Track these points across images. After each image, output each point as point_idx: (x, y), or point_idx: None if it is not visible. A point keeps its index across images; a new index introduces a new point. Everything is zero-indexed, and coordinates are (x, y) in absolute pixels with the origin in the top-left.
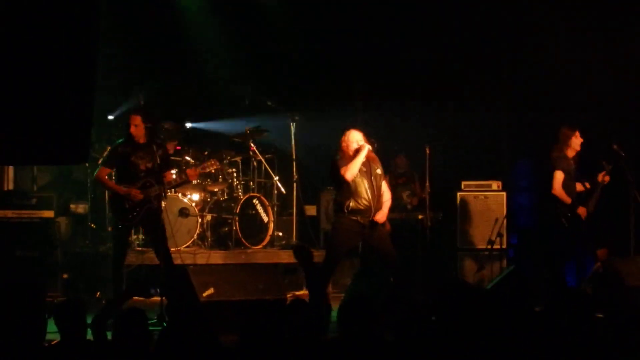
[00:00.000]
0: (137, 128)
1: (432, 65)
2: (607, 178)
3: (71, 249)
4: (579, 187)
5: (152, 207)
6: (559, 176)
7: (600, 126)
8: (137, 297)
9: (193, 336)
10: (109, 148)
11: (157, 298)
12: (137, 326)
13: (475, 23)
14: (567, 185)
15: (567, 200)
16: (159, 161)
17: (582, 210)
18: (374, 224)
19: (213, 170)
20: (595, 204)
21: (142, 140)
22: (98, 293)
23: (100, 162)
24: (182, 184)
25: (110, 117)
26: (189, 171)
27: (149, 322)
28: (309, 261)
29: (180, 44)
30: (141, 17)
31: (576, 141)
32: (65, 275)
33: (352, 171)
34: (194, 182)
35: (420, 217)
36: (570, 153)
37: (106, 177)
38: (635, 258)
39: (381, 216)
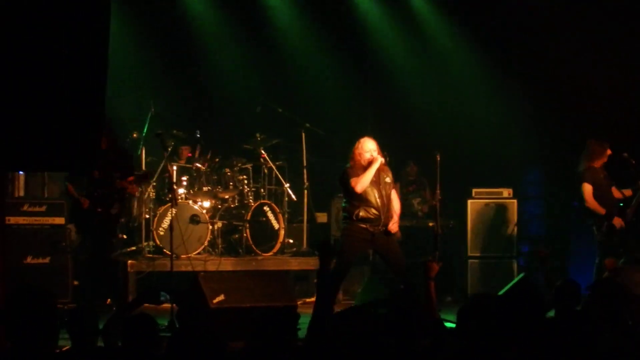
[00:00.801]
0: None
1: (443, 72)
2: None
3: (82, 256)
4: (617, 194)
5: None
6: (587, 188)
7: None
8: (147, 305)
9: (203, 342)
10: None
11: (168, 305)
12: (147, 332)
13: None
14: (599, 196)
15: (601, 211)
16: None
17: (617, 221)
18: (387, 233)
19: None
20: (634, 211)
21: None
22: (109, 300)
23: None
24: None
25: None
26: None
27: (159, 328)
28: (328, 259)
29: (192, 51)
30: (153, 26)
31: (605, 153)
32: (75, 282)
33: (362, 184)
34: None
35: (430, 224)
36: (598, 163)
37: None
38: None
39: (394, 226)
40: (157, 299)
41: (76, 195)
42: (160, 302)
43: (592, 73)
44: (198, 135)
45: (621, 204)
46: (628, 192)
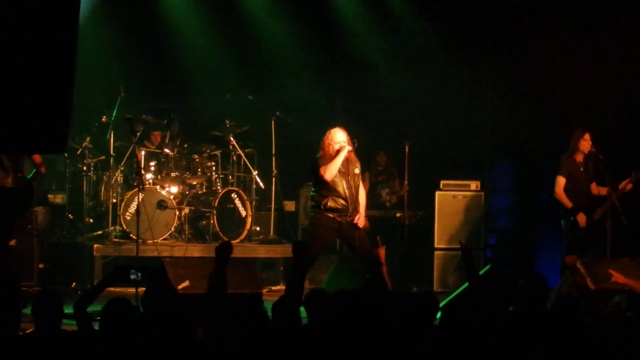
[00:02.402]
0: None
1: (413, 65)
2: (629, 186)
3: (48, 239)
4: (595, 190)
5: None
6: (560, 181)
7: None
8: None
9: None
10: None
11: (132, 290)
12: (124, 315)
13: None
14: (571, 190)
15: (568, 204)
16: None
17: (580, 217)
18: (355, 227)
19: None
20: (604, 212)
21: None
22: (74, 284)
23: None
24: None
25: None
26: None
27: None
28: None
29: (162, 37)
30: (123, 10)
31: (584, 144)
32: (41, 265)
33: (331, 171)
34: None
35: (398, 215)
36: (579, 156)
37: None
38: (606, 261)
39: (362, 221)
40: (127, 276)
41: None
42: (131, 280)
43: (564, 66)
44: (173, 119)
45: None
46: (603, 191)
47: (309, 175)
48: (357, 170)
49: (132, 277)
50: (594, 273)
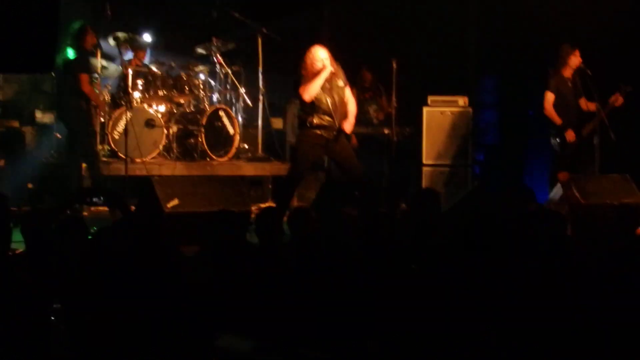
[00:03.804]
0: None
1: None
2: (619, 101)
3: (36, 159)
4: (585, 106)
5: None
6: (548, 97)
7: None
8: (102, 208)
9: (156, 245)
10: (75, 59)
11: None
12: (77, 235)
13: None
14: (560, 105)
15: (557, 120)
16: None
17: (569, 133)
18: (340, 133)
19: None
20: (593, 127)
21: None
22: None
23: (80, 69)
24: None
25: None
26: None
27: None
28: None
29: None
30: None
31: (574, 59)
32: (30, 185)
33: (310, 92)
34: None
35: (386, 131)
36: (568, 72)
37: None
38: (595, 177)
39: (349, 125)
40: (84, 199)
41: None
42: (89, 203)
43: None
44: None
45: None
46: (592, 106)
47: (294, 93)
48: (340, 83)
49: (94, 199)
50: (584, 189)
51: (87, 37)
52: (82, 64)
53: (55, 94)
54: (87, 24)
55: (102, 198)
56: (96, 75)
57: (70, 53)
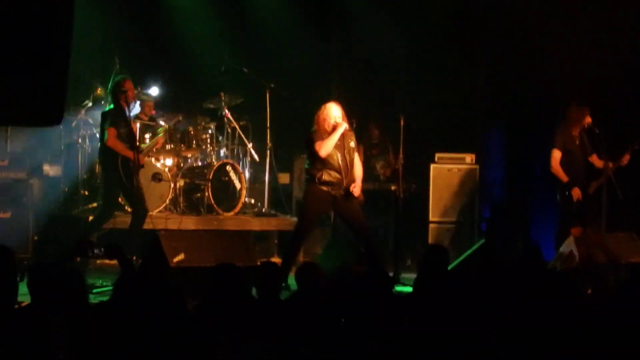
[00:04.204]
0: (131, 92)
1: (408, 36)
2: (625, 160)
3: (43, 212)
4: (598, 163)
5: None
6: (555, 154)
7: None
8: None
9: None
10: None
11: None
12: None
13: None
14: (567, 163)
15: (564, 178)
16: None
17: (575, 191)
18: (349, 195)
19: (175, 124)
20: (600, 185)
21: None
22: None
23: (109, 124)
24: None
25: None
26: (159, 139)
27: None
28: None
29: (157, 9)
30: None
31: (582, 118)
32: (35, 238)
33: (326, 149)
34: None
35: (393, 188)
36: (575, 129)
37: (117, 138)
38: (606, 235)
39: (357, 189)
40: (85, 252)
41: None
42: (92, 255)
43: (560, 37)
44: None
45: None
46: (599, 164)
47: (304, 149)
48: (352, 144)
49: (96, 251)
50: (594, 246)
51: (121, 91)
52: (110, 118)
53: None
54: (127, 77)
55: (102, 250)
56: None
57: (108, 107)
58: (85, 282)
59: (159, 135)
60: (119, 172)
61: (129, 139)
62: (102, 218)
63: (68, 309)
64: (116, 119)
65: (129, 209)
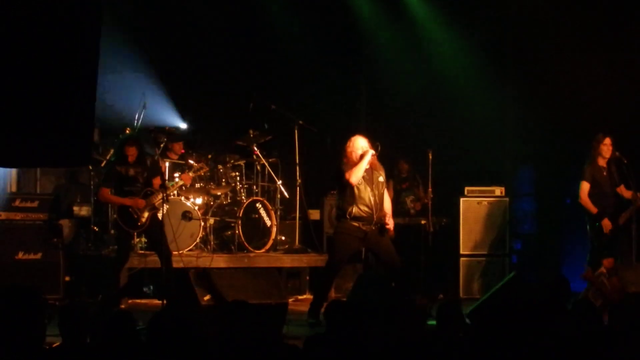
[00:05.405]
0: (132, 156)
1: (436, 70)
2: None
3: (74, 252)
4: (627, 194)
5: (156, 212)
6: (584, 186)
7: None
8: (137, 300)
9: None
10: (111, 151)
11: (158, 301)
12: (125, 330)
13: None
14: (596, 195)
15: (593, 210)
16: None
17: (605, 223)
18: (382, 229)
19: (202, 173)
20: (630, 215)
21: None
22: (100, 296)
23: (100, 182)
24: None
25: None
26: (183, 176)
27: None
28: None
29: (185, 47)
30: (144, 20)
31: (605, 148)
32: (67, 278)
33: (356, 175)
34: (189, 185)
35: (423, 222)
36: (602, 160)
37: (109, 194)
38: (635, 266)
39: (391, 223)
40: (139, 291)
41: (130, 201)
42: (142, 294)
43: (588, 70)
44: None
45: None
46: (628, 194)
47: (334, 183)
48: (381, 178)
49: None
50: (625, 277)
51: (125, 150)
52: (105, 174)
53: None
54: (131, 139)
55: (151, 288)
56: (178, 180)
57: (110, 157)
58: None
59: (172, 185)
60: (114, 218)
61: (130, 183)
62: (117, 261)
63: (119, 349)
64: (109, 176)
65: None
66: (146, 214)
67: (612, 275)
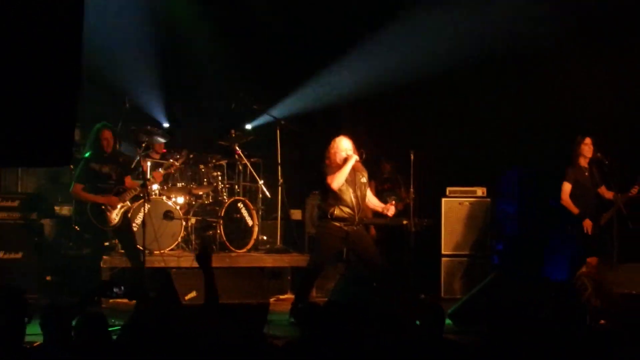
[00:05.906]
0: (108, 141)
1: (419, 70)
2: (634, 191)
3: (55, 251)
4: (608, 194)
5: (128, 210)
6: (565, 187)
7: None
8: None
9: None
10: (81, 159)
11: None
12: (96, 332)
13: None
14: (578, 195)
15: (574, 210)
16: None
17: (587, 223)
18: (365, 228)
19: (173, 171)
20: (611, 216)
21: (109, 151)
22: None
23: (74, 178)
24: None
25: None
26: (155, 173)
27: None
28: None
29: (167, 47)
30: (129, 20)
31: (586, 149)
32: (48, 278)
33: (338, 181)
34: (159, 182)
35: (404, 222)
36: (583, 161)
37: (81, 190)
38: (620, 267)
39: (392, 209)
40: (108, 292)
41: (102, 199)
42: (112, 296)
43: (573, 73)
44: (169, 130)
45: None
46: (609, 195)
47: (316, 185)
48: (364, 179)
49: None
50: (606, 277)
51: (100, 140)
52: (79, 170)
53: None
54: (105, 127)
55: (122, 288)
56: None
57: (85, 153)
58: (108, 325)
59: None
60: (87, 216)
61: (103, 180)
62: (93, 260)
63: (93, 349)
64: (83, 172)
65: (140, 248)
66: (118, 212)
67: (592, 275)
